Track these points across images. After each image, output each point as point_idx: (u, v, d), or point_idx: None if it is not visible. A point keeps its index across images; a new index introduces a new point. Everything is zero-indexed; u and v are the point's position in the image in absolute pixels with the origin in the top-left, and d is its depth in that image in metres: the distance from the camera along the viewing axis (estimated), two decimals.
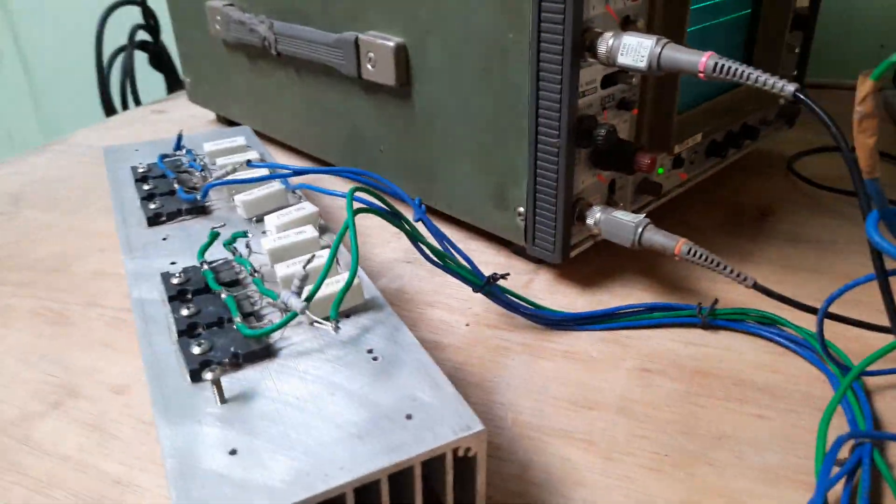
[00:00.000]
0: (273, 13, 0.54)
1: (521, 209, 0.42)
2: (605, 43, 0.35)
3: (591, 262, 0.45)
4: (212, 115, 0.76)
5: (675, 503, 0.28)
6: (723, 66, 0.32)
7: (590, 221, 0.40)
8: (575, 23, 0.34)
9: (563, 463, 0.30)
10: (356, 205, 0.33)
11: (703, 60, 0.32)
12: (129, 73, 0.88)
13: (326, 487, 0.22)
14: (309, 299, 0.28)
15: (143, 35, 0.93)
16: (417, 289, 0.43)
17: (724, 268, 0.36)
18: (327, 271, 0.29)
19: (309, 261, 0.31)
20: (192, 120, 0.76)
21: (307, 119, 0.57)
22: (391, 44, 0.44)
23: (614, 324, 0.39)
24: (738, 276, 0.36)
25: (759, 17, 0.50)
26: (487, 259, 0.46)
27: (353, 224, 0.31)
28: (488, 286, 0.37)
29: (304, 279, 0.28)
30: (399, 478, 0.24)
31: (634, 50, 0.34)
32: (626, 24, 0.38)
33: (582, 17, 0.35)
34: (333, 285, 0.30)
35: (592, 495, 0.28)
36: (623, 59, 0.34)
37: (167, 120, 0.78)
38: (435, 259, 0.37)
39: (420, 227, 0.37)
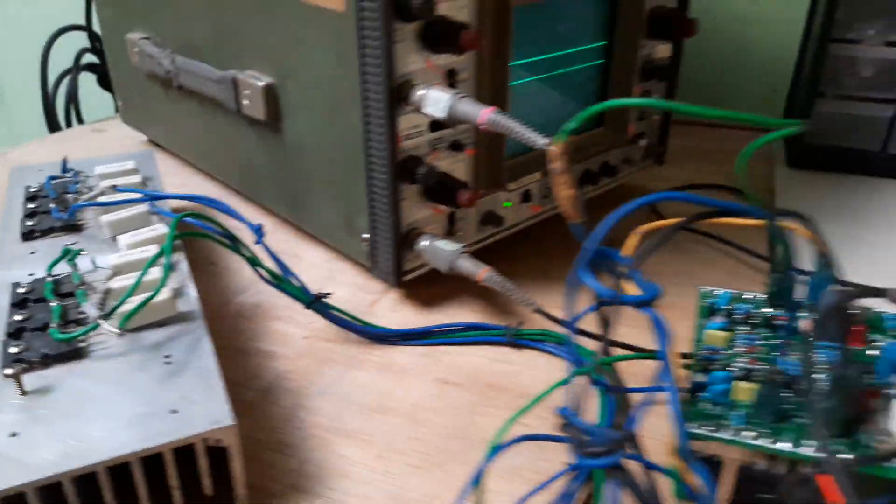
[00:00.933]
0: (177, 48, 0.60)
1: (365, 236, 0.47)
2: (416, 94, 0.40)
3: (434, 285, 0.49)
4: (145, 136, 0.81)
5: (420, 494, 0.33)
6: (496, 120, 0.37)
7: (417, 248, 0.45)
8: (389, 76, 0.40)
9: (338, 459, 0.35)
10: (194, 228, 0.38)
11: (482, 113, 0.37)
12: (73, 95, 0.94)
13: (78, 465, 0.27)
14: (108, 314, 0.33)
15: (92, 57, 0.98)
16: (273, 304, 0.48)
17: (515, 293, 0.41)
18: (133, 289, 0.34)
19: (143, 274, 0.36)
20: (127, 140, 0.81)
21: (210, 146, 0.62)
22: (261, 83, 0.49)
23: (433, 340, 0.44)
24: (525, 301, 0.41)
25: (610, 68, 0.56)
26: (348, 279, 0.51)
27: (171, 247, 0.36)
28: (314, 303, 0.42)
29: (106, 293, 0.33)
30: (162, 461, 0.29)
31: (436, 102, 0.39)
32: (452, 77, 0.43)
33: (394, 71, 0.40)
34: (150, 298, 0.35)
35: (353, 486, 0.33)
36: (427, 110, 0.39)
37: (104, 139, 0.83)
38: (269, 279, 0.41)
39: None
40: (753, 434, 0.28)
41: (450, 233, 0.48)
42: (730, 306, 0.36)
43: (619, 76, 0.56)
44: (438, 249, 0.43)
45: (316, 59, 0.45)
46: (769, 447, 0.28)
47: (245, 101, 0.51)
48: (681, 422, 0.26)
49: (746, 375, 0.31)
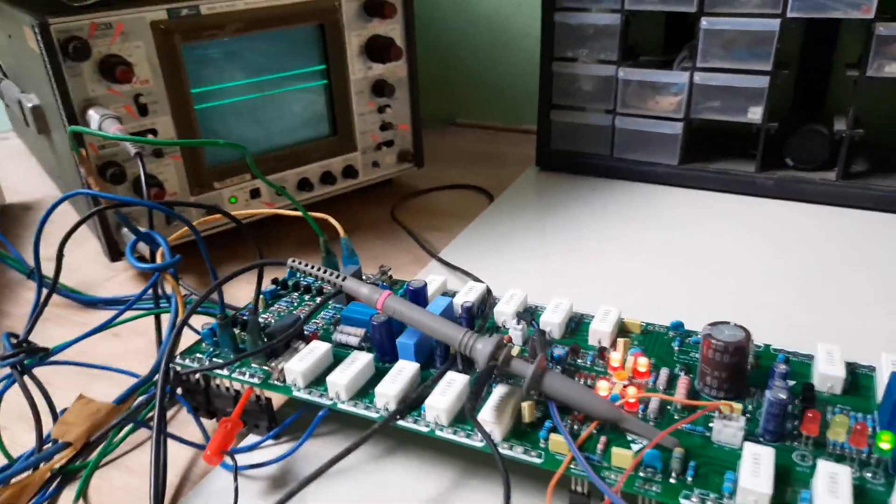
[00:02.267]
0: (7, 72, 0.74)
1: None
2: (87, 114, 0.52)
3: None
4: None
5: None
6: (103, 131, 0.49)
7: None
8: (66, 101, 0.52)
9: None
10: None
11: (112, 129, 0.49)
12: None
13: None
14: None
15: None
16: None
17: None
18: None
19: None
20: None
21: (42, 152, 0.76)
22: (30, 105, 0.63)
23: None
24: None
25: (331, 87, 0.67)
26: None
27: None
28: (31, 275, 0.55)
29: None
30: None
31: (96, 120, 0.51)
32: (138, 101, 0.56)
33: (72, 97, 0.52)
34: None
35: None
36: (91, 125, 0.52)
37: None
38: None
39: None
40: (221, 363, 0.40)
41: (167, 223, 0.60)
42: (294, 279, 0.48)
43: (339, 93, 0.67)
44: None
45: (42, 87, 0.58)
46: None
47: (28, 117, 0.65)
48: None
49: (241, 323, 0.42)
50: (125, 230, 0.57)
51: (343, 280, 0.38)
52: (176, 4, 0.56)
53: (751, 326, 0.35)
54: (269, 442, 0.40)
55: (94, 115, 0.52)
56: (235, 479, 0.36)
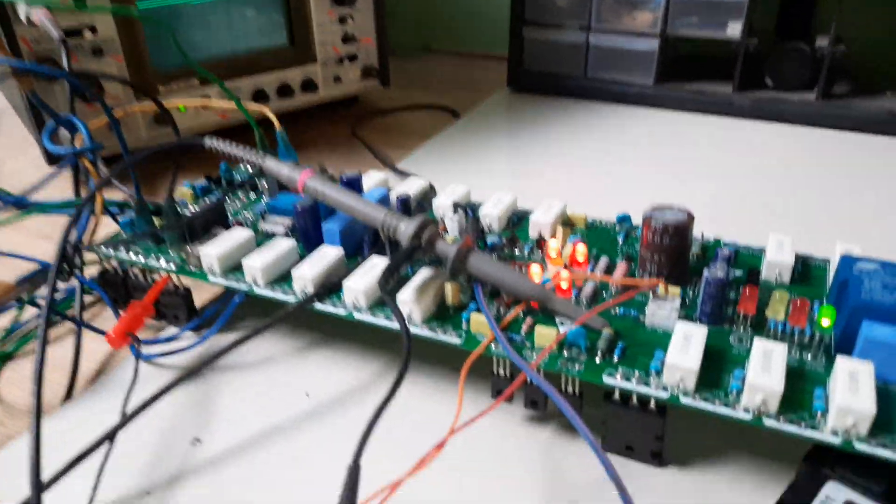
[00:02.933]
0: None
1: None
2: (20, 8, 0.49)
3: None
4: None
5: None
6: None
7: None
8: None
9: None
10: None
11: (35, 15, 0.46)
12: None
13: None
14: None
15: None
16: None
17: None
18: None
19: None
20: None
21: None
22: None
23: None
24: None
25: None
26: None
27: None
28: None
29: None
30: None
31: (24, 8, 0.48)
32: None
33: None
34: None
35: None
36: (21, 13, 0.48)
37: None
38: None
39: None
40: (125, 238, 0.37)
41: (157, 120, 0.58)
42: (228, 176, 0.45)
43: (295, 0, 0.63)
44: None
45: None
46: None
47: None
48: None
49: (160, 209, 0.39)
50: (62, 131, 0.54)
51: (263, 158, 0.35)
52: None
53: (714, 229, 0.33)
54: (189, 334, 0.38)
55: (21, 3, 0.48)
56: (137, 358, 0.33)
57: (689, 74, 0.69)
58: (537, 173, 0.57)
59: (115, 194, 0.52)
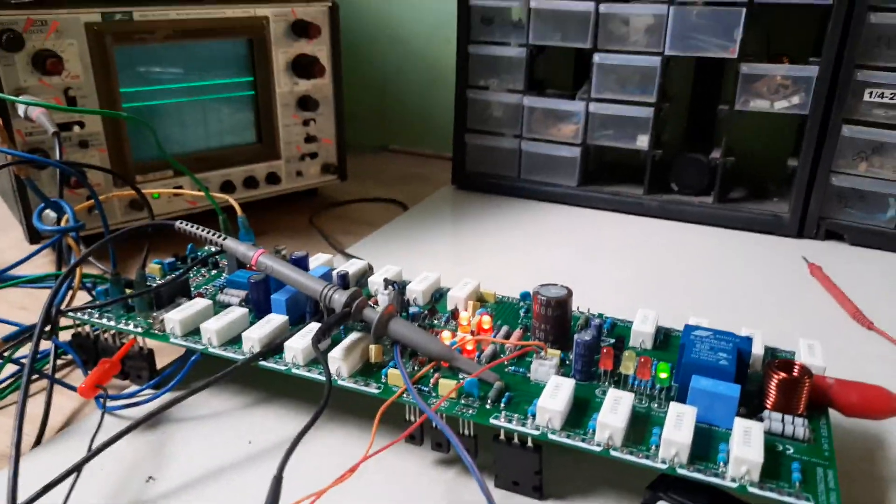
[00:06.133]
0: None
1: None
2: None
3: None
4: None
5: None
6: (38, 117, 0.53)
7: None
8: None
9: None
10: None
11: (34, 114, 0.54)
12: None
13: None
14: None
15: None
16: None
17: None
18: None
19: None
20: None
21: None
22: None
23: None
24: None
25: (258, 98, 0.72)
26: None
27: None
28: None
29: None
30: None
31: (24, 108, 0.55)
32: (67, 93, 0.60)
33: (1, 83, 0.56)
34: None
35: None
36: (20, 111, 0.56)
37: None
38: None
39: None
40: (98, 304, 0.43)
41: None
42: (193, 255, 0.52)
43: (264, 104, 0.72)
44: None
45: None
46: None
47: None
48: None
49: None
50: (47, 213, 0.61)
51: (224, 239, 0.42)
52: (110, 9, 0.61)
53: (606, 306, 0.40)
54: (149, 391, 0.43)
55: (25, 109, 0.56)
56: (104, 408, 0.39)
57: (607, 179, 0.79)
58: (471, 258, 0.65)
59: (90, 269, 0.58)
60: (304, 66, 0.73)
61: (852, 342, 0.51)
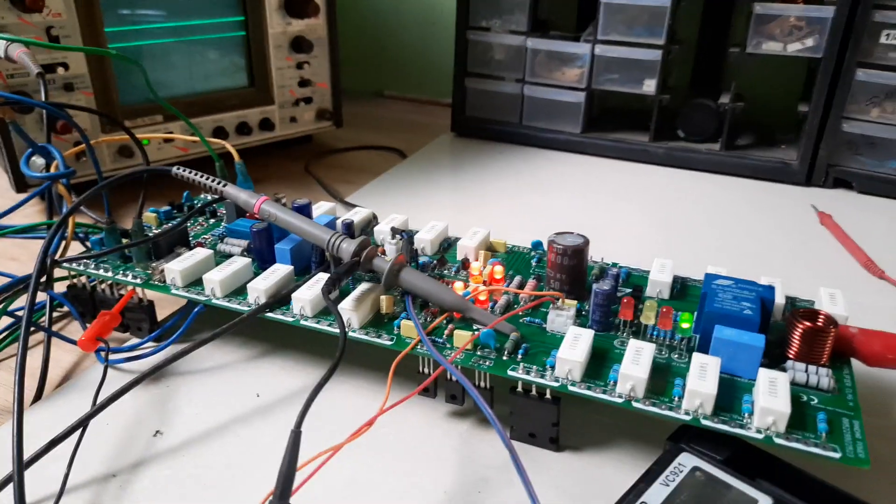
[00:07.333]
0: None
1: None
2: None
3: None
4: None
5: None
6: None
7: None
8: None
9: None
10: None
11: (16, 53, 0.51)
12: None
13: None
14: None
15: None
16: None
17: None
18: None
19: None
20: None
21: None
22: None
23: None
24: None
25: (249, 39, 0.69)
26: None
27: None
28: None
29: None
30: None
31: (2, 46, 0.52)
32: (49, 31, 0.57)
33: None
34: None
35: None
36: None
37: None
38: None
39: None
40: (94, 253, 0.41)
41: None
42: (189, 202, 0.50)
43: (256, 45, 0.69)
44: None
45: None
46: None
47: None
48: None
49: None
50: (35, 159, 0.58)
51: (224, 186, 0.40)
52: None
53: (618, 255, 0.39)
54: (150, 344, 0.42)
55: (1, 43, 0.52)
56: (106, 362, 0.37)
57: (611, 125, 0.77)
58: (474, 207, 0.63)
59: (81, 219, 0.56)
60: (297, 5, 0.69)
61: (864, 291, 0.50)
